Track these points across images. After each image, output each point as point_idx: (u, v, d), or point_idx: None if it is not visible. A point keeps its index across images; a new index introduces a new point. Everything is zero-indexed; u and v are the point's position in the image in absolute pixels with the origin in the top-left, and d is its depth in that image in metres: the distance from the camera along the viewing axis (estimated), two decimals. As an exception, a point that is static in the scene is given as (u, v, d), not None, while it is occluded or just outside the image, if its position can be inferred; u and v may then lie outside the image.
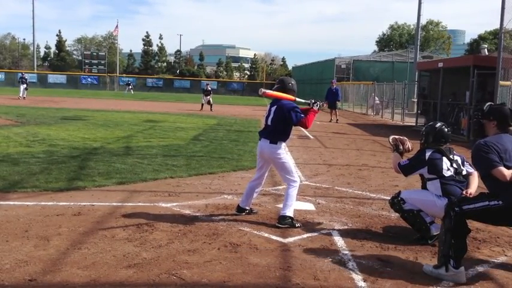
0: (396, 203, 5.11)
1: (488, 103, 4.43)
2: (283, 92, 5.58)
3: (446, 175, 4.90)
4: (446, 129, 5.14)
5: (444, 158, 4.96)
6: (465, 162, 5.10)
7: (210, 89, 29.15)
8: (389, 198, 5.41)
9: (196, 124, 18.29)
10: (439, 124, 5.24)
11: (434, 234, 4.87)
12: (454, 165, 4.97)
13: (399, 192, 5.20)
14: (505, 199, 3.96)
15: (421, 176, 5.13)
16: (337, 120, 22.40)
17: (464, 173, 5.00)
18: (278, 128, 5.51)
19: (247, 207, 5.79)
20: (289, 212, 5.37)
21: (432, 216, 5.02)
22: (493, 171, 3.98)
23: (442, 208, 4.58)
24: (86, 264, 4.02)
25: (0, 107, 22.34)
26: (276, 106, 5.57)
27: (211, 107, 27.27)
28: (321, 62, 50.90)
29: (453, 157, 5.03)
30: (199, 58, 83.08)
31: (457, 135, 17.17)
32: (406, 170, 5.13)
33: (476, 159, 4.17)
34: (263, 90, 5.57)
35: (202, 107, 27.87)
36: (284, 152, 5.64)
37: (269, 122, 5.59)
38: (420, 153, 5.10)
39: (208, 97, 27.86)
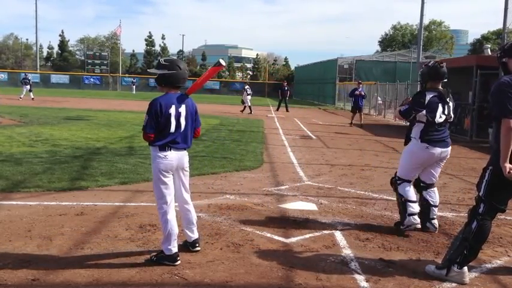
0: (394, 182, 5.38)
1: (510, 42, 4.15)
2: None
3: (436, 122, 5.07)
4: (440, 67, 5.18)
5: (440, 105, 5.09)
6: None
7: (247, 88, 26.39)
8: (391, 198, 5.43)
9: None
10: (432, 62, 5.35)
11: (405, 225, 5.15)
12: (446, 111, 5.13)
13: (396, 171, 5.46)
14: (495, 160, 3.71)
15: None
16: (362, 124, 20.53)
17: (451, 120, 5.20)
18: None
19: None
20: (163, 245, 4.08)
21: (424, 168, 5.21)
22: (505, 120, 3.58)
23: (419, 149, 5.06)
24: (88, 264, 4.03)
25: (3, 107, 22.39)
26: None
27: (250, 109, 25.97)
28: (323, 62, 50.86)
29: (449, 101, 5.19)
30: (202, 58, 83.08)
31: (459, 135, 17.15)
32: (406, 114, 5.17)
33: (495, 98, 3.69)
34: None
35: (245, 108, 26.42)
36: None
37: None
38: (420, 95, 5.16)
39: (248, 97, 26.15)
